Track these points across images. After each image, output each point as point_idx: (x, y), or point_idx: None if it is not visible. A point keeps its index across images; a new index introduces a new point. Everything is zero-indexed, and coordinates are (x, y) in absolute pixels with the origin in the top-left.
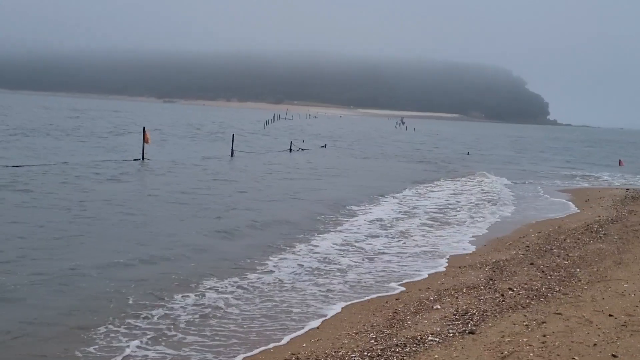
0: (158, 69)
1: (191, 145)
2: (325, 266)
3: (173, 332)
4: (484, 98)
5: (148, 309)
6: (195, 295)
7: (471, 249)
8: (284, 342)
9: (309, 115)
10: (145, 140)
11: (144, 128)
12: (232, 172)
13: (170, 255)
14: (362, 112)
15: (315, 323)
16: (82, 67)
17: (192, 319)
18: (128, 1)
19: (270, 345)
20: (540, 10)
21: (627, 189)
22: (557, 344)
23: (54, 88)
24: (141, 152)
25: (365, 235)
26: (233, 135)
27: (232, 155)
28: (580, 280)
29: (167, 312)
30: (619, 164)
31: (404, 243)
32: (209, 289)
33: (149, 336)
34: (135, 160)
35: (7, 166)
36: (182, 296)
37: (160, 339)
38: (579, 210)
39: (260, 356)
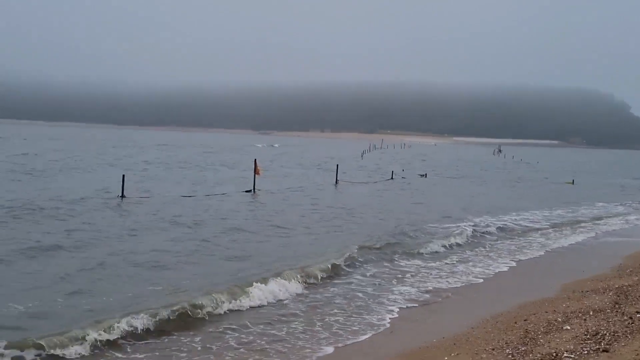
0: (251, 102)
1: (296, 176)
2: None
3: None
4: (584, 124)
5: None
6: None
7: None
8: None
9: (404, 144)
10: (256, 172)
11: (255, 160)
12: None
13: None
14: (456, 140)
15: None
16: (182, 102)
17: None
18: (218, 36)
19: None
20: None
21: None
22: None
23: (159, 123)
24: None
25: None
26: (337, 165)
27: (336, 184)
28: None
29: None
30: None
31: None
32: None
33: None
34: (246, 191)
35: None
36: None
37: None
38: None
39: None
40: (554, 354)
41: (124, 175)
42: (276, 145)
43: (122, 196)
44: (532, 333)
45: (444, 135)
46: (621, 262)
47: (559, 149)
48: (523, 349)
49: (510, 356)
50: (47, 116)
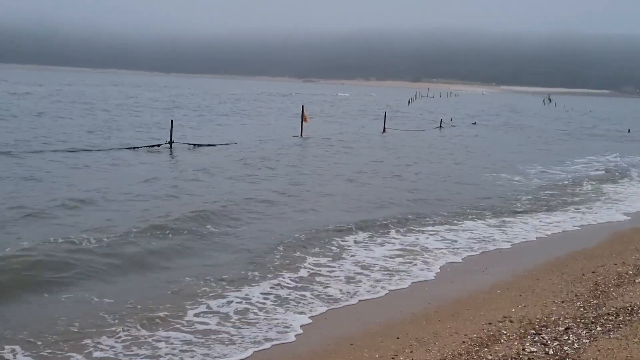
0: (297, 50)
1: (348, 123)
2: None
3: None
4: (638, 72)
5: None
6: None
7: None
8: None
9: (451, 93)
10: (303, 119)
11: (302, 107)
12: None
13: None
14: (505, 89)
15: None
16: (225, 49)
17: None
18: None
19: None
20: None
21: None
22: None
23: (200, 70)
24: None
25: None
26: (385, 113)
27: (384, 131)
28: None
29: None
30: None
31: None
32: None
33: None
34: (294, 136)
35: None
36: None
37: None
38: None
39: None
40: (629, 308)
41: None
42: (345, 94)
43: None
44: (603, 286)
45: (492, 84)
46: None
47: (611, 98)
48: (595, 302)
49: (582, 309)
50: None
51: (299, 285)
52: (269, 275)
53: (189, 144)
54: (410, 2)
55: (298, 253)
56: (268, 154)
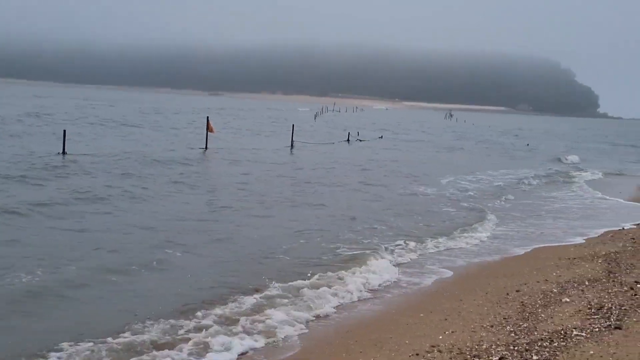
0: (203, 63)
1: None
2: None
3: None
4: (532, 91)
5: None
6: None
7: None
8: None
9: (356, 108)
10: (209, 130)
11: (207, 118)
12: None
13: None
14: (408, 105)
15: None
16: (126, 60)
17: None
18: None
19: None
20: (589, 1)
21: None
22: None
23: (95, 80)
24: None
25: None
26: (293, 126)
27: (292, 145)
28: None
29: None
30: None
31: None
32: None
33: None
34: (200, 148)
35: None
36: None
37: None
38: None
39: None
40: (562, 332)
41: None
42: (252, 107)
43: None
44: (530, 307)
45: (395, 100)
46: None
47: (507, 114)
48: (525, 325)
49: (513, 334)
50: None
51: None
52: None
53: None
54: (317, 18)
55: None
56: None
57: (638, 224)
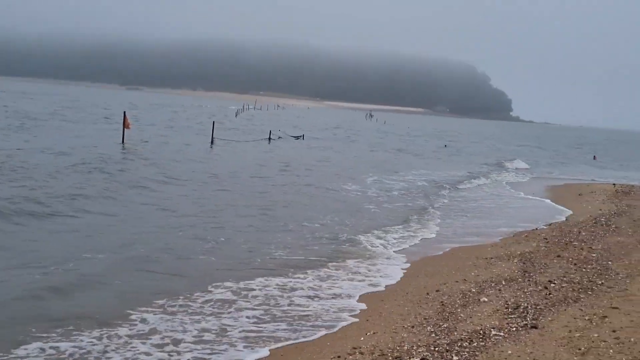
0: (121, 56)
1: (169, 132)
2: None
3: None
4: (449, 93)
5: None
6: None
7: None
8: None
9: (277, 106)
10: (125, 125)
11: (124, 113)
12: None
13: None
14: (329, 105)
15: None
16: (42, 52)
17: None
18: None
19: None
20: (504, 8)
21: (614, 184)
22: (632, 339)
23: (10, 72)
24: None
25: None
26: (213, 123)
27: (212, 143)
28: (618, 274)
29: None
30: (594, 159)
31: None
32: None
33: None
34: (117, 144)
35: None
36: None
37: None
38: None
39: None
40: (481, 332)
41: None
42: (174, 103)
43: None
44: (450, 306)
45: (317, 99)
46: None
47: (425, 116)
48: (445, 325)
49: (433, 334)
50: None
51: None
52: None
53: None
54: (240, 15)
55: None
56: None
57: (550, 224)
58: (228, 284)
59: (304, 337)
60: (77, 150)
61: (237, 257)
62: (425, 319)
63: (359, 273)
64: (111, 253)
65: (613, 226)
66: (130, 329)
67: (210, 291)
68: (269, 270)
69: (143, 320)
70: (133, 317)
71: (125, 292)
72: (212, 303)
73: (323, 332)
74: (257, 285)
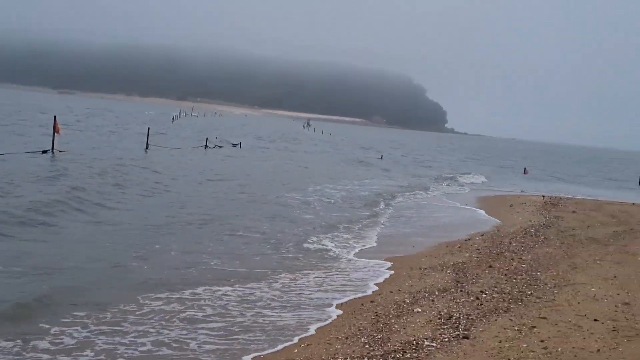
0: (53, 58)
1: (97, 138)
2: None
3: None
4: (386, 104)
5: None
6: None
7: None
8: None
9: (215, 113)
10: (56, 130)
11: (54, 117)
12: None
13: None
14: (267, 113)
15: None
16: None
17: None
18: None
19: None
20: (440, 21)
21: (544, 196)
22: (559, 349)
23: None
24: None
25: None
26: (149, 129)
27: (146, 149)
28: (546, 285)
29: None
30: (524, 172)
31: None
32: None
33: None
34: (44, 152)
35: None
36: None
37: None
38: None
39: None
40: (414, 342)
41: None
42: (110, 108)
43: None
44: (384, 317)
45: (255, 107)
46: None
47: (362, 126)
48: (379, 336)
49: (367, 346)
50: None
51: None
52: None
53: None
54: (180, 21)
55: None
56: None
57: (483, 235)
58: (161, 295)
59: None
60: None
61: (171, 267)
62: (360, 330)
63: (291, 284)
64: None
65: (542, 237)
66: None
67: (146, 303)
68: (199, 281)
69: (69, 335)
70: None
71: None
72: (152, 315)
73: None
74: (189, 295)
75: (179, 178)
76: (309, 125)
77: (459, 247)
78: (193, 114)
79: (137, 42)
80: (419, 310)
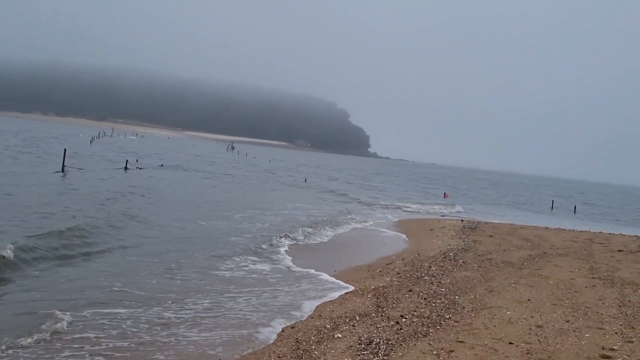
0: None
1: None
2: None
3: None
4: (311, 128)
5: None
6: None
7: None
8: None
9: (136, 134)
10: None
11: None
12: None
13: None
14: (190, 135)
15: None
16: None
17: None
18: None
19: None
20: (360, 49)
21: (462, 220)
22: None
23: None
24: None
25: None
26: (65, 150)
27: (63, 170)
28: (464, 308)
29: None
30: (444, 196)
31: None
32: None
33: None
34: None
35: None
36: None
37: None
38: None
39: None
40: None
41: None
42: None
43: None
44: (305, 344)
45: (178, 129)
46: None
47: (287, 150)
48: None
49: None
50: None
51: None
52: None
53: None
54: (100, 40)
55: None
56: None
57: (404, 259)
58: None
59: None
60: None
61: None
62: (279, 357)
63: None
64: None
65: (460, 261)
66: None
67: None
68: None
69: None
70: None
71: None
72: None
73: None
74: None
75: (93, 200)
76: (233, 148)
77: (380, 271)
78: (113, 134)
79: (55, 60)
80: (340, 335)
